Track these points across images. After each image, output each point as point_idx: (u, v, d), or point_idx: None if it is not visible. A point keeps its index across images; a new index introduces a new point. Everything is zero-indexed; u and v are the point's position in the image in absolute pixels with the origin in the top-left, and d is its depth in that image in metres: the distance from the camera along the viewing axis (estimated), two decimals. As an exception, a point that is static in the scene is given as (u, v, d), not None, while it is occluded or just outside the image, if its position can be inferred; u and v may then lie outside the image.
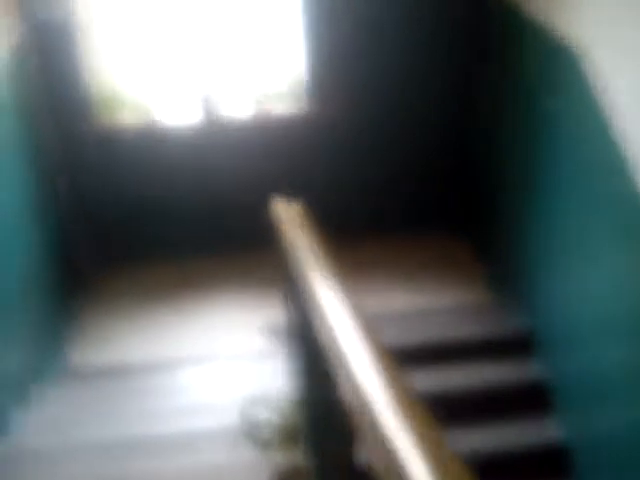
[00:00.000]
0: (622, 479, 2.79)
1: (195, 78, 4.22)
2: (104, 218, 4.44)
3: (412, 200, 4.70)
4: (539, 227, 3.51)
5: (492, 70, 4.04)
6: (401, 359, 1.15)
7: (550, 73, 3.30)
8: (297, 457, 2.73)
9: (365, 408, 0.80)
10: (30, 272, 3.56)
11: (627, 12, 2.68)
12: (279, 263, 2.39)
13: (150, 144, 4.24)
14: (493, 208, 4.15)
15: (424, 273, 4.30)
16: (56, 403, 3.37)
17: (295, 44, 4.15)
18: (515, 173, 3.78)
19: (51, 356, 3.68)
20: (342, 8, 4.03)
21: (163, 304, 4.20)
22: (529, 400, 3.41)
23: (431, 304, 3.99)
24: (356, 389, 0.87)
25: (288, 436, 2.90)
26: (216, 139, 4.26)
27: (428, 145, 4.52)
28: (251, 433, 2.96)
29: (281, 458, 2.80)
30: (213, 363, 3.72)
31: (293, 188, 2.68)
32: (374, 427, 0.77)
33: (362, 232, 4.33)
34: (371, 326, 1.12)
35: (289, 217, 2.33)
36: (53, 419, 3.24)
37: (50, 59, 3.91)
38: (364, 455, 1.06)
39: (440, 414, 1.03)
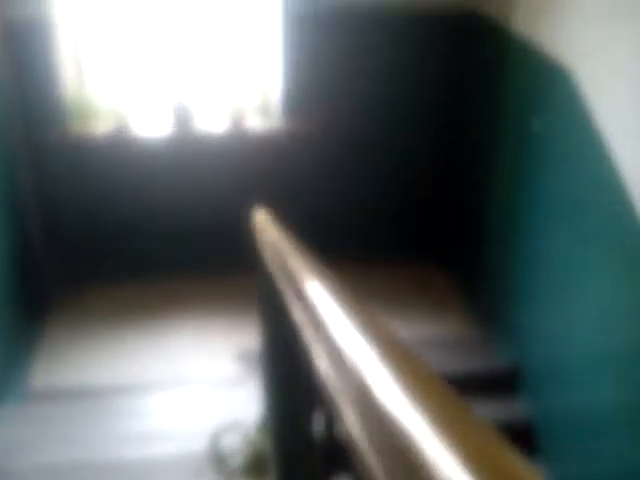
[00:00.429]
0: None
1: (170, 88, 4.10)
2: (72, 233, 4.24)
3: (393, 227, 4.57)
4: (525, 258, 3.42)
5: (480, 91, 3.96)
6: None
7: (538, 92, 3.23)
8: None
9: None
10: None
11: (615, 29, 2.61)
12: (258, 278, 2.24)
13: (122, 155, 4.06)
14: (478, 238, 4.04)
15: (405, 303, 4.19)
16: (17, 425, 3.25)
17: (273, 57, 4.03)
18: (501, 201, 3.68)
19: (13, 377, 3.50)
20: (324, 23, 3.92)
21: (132, 325, 4.02)
22: (513, 440, 3.23)
23: (411, 336, 3.82)
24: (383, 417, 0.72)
25: (256, 466, 2.79)
26: (190, 152, 4.11)
27: (411, 170, 4.40)
28: (217, 461, 2.87)
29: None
30: (182, 388, 3.56)
31: (268, 207, 2.54)
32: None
33: (339, 257, 4.14)
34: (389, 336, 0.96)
35: (270, 225, 2.19)
36: (13, 441, 3.13)
37: (20, 61, 3.72)
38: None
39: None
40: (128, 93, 4.11)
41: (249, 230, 2.48)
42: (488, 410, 3.35)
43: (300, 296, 1.37)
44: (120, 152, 4.04)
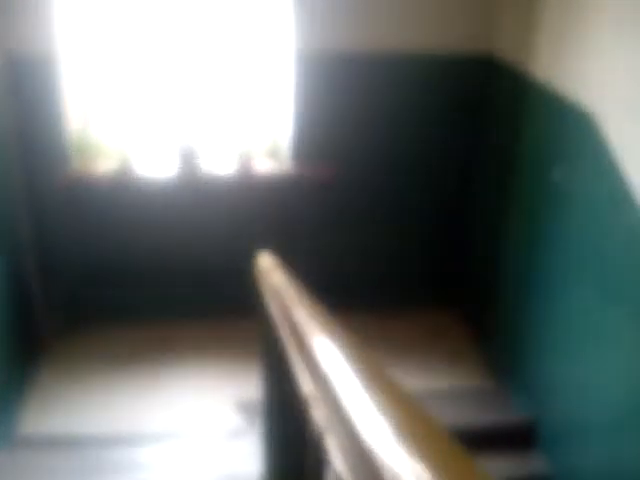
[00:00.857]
0: None
1: (176, 129, 4.03)
2: (70, 274, 4.12)
3: (405, 273, 4.43)
4: (543, 311, 3.30)
5: (496, 137, 3.86)
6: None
7: (559, 139, 3.13)
8: None
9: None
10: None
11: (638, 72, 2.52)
12: (261, 325, 2.13)
13: (124, 196, 3.96)
14: (494, 287, 3.90)
15: (419, 352, 4.06)
16: (1, 472, 3.07)
17: (284, 100, 3.97)
18: (519, 252, 3.56)
19: (0, 421, 3.30)
20: (336, 66, 3.86)
21: (128, 372, 3.86)
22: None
23: (425, 387, 3.69)
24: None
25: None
26: (195, 194, 4.01)
27: (423, 215, 4.28)
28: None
29: None
30: (179, 440, 3.38)
31: (275, 252, 2.45)
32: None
33: (347, 304, 4.01)
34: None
35: (275, 271, 2.08)
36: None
37: (22, 97, 3.65)
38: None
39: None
40: (133, 133, 4.04)
41: (253, 275, 2.39)
42: (504, 466, 3.20)
43: (302, 347, 1.26)
44: (122, 193, 3.95)
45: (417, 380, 3.72)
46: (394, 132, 4.05)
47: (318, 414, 0.98)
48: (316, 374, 1.10)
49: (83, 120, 3.96)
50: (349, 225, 4.24)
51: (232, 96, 4.05)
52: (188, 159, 3.95)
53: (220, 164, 4.05)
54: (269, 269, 2.20)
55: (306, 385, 1.10)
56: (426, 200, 4.25)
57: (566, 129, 3.07)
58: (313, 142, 3.99)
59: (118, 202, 3.99)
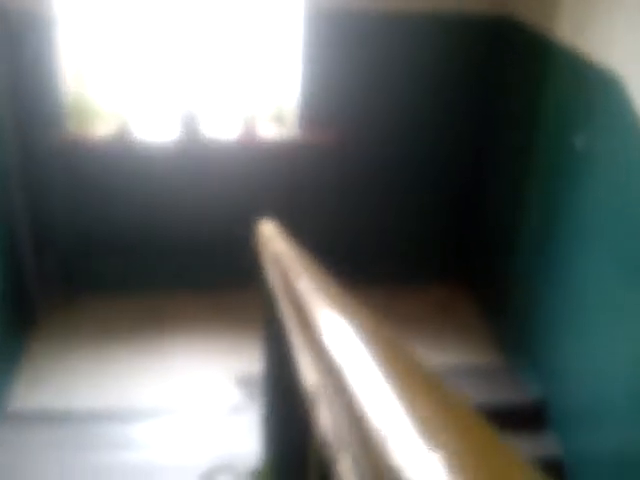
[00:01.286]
0: None
1: (178, 92, 3.86)
2: (65, 244, 3.98)
3: (414, 245, 4.26)
4: (558, 287, 3.20)
5: (516, 102, 3.67)
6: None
7: (583, 104, 2.94)
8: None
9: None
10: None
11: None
12: (263, 294, 1.99)
13: (122, 161, 3.81)
14: (507, 261, 3.76)
15: (428, 328, 3.95)
16: None
17: (291, 63, 3.80)
18: (535, 224, 3.40)
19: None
20: (344, 26, 3.67)
21: (123, 344, 3.74)
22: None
23: (435, 363, 3.55)
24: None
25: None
26: (196, 161, 3.86)
27: (433, 184, 4.11)
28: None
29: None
30: (175, 415, 3.27)
31: (279, 220, 2.31)
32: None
33: (354, 278, 3.85)
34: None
35: (276, 238, 1.93)
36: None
37: (17, 57, 3.48)
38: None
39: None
40: (132, 96, 3.88)
41: (254, 244, 2.25)
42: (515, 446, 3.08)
43: (305, 324, 1.11)
44: (120, 158, 3.80)
45: (425, 357, 3.57)
46: (405, 97, 3.88)
47: (324, 415, 0.85)
48: (321, 358, 0.95)
49: (80, 82, 3.79)
50: (357, 194, 4.08)
51: (237, 58, 3.88)
52: (189, 123, 3.78)
53: (223, 129, 3.90)
54: (271, 237, 2.05)
55: (309, 372, 0.96)
56: (437, 169, 4.08)
57: (591, 94, 2.89)
58: (320, 106, 3.84)
59: (116, 168, 3.83)
